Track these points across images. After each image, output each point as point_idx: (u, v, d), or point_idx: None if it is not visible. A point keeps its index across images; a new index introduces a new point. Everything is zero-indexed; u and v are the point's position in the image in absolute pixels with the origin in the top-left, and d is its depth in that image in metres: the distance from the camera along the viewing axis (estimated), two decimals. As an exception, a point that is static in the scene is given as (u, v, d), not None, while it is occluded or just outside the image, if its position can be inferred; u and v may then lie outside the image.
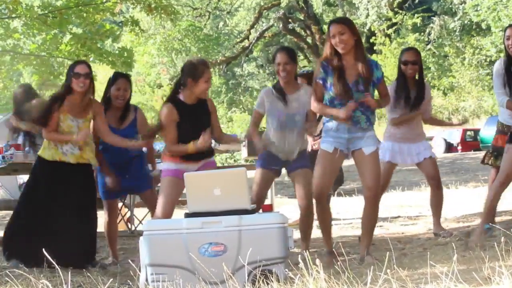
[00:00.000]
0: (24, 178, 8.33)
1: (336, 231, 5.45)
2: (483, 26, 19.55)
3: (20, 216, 3.96)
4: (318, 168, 3.58)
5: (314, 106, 3.62)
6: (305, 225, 3.92)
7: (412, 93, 4.45)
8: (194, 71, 3.66)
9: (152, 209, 4.06)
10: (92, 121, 4.02)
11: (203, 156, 3.72)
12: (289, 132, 3.90)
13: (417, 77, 4.50)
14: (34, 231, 3.85)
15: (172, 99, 3.72)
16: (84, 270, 3.52)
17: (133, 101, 4.45)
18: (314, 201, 3.66)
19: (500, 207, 5.70)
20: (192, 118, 3.67)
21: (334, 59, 3.52)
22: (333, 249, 3.67)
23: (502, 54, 4.44)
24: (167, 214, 3.60)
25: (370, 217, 3.60)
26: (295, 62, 3.93)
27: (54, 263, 2.57)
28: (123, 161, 4.17)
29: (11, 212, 4.35)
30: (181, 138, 3.66)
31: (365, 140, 3.55)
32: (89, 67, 4.00)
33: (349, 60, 3.53)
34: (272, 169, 3.95)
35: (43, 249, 2.66)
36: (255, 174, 3.96)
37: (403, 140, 4.49)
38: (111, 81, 4.21)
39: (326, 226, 3.70)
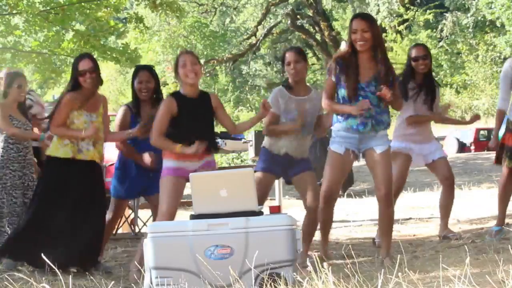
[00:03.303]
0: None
1: (346, 233, 5.39)
2: (498, 24, 19.33)
3: (32, 216, 3.91)
4: (328, 169, 3.52)
5: (325, 103, 3.58)
6: (311, 227, 3.85)
7: (422, 90, 4.38)
8: (176, 61, 3.65)
9: (155, 214, 3.99)
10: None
11: (204, 154, 3.62)
12: (301, 133, 3.84)
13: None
14: (45, 231, 3.80)
15: (174, 93, 3.70)
16: (86, 273, 3.48)
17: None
18: (321, 202, 3.60)
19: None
20: (192, 112, 3.59)
21: (350, 56, 3.45)
22: (324, 257, 3.54)
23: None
24: (170, 215, 3.54)
25: (386, 217, 3.54)
26: (305, 60, 3.88)
27: (54, 267, 2.52)
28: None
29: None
30: (180, 132, 3.55)
31: (377, 139, 3.49)
32: (93, 59, 3.95)
33: (366, 59, 3.46)
34: (272, 173, 3.90)
35: (42, 254, 2.62)
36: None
37: (413, 140, 4.41)
38: (133, 76, 4.17)
39: (327, 229, 3.68)
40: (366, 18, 3.50)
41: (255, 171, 3.88)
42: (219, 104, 3.72)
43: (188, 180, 3.52)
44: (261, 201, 3.76)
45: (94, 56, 4.11)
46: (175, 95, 3.64)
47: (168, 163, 3.58)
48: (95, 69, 3.89)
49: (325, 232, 3.78)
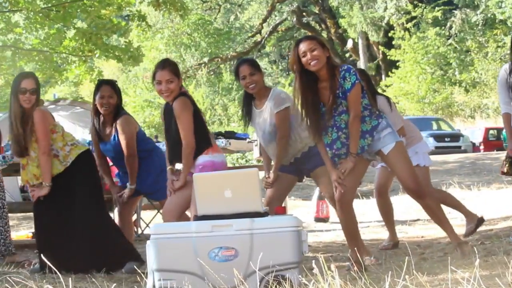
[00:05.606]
0: (25, 179, 8.23)
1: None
2: (509, 23, 19.17)
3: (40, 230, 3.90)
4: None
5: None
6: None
7: None
8: (153, 74, 3.64)
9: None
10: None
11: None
12: (269, 146, 3.81)
13: None
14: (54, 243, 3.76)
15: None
16: (88, 275, 3.44)
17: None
18: (337, 206, 3.49)
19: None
20: (166, 120, 3.65)
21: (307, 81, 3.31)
22: (360, 259, 3.39)
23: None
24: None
25: (426, 209, 3.50)
26: (259, 70, 3.78)
27: (56, 268, 2.50)
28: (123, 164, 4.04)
29: (11, 214, 4.35)
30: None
31: (382, 140, 3.41)
32: (36, 80, 3.87)
33: (322, 80, 3.33)
34: (288, 173, 3.86)
35: (42, 255, 2.60)
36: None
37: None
38: (95, 90, 4.11)
39: (351, 233, 3.52)
40: (310, 38, 3.37)
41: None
42: (176, 114, 3.52)
43: None
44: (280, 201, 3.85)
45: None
46: (167, 103, 3.67)
47: None
48: (37, 90, 3.80)
49: (352, 237, 3.55)
